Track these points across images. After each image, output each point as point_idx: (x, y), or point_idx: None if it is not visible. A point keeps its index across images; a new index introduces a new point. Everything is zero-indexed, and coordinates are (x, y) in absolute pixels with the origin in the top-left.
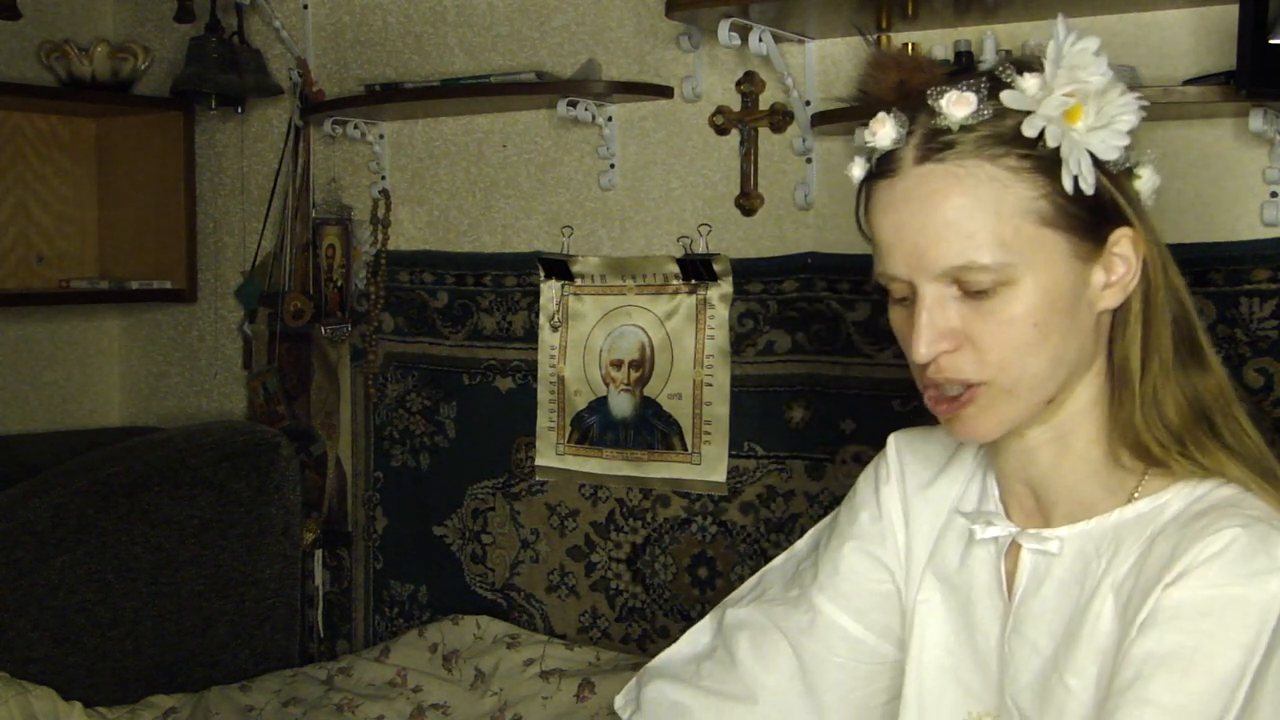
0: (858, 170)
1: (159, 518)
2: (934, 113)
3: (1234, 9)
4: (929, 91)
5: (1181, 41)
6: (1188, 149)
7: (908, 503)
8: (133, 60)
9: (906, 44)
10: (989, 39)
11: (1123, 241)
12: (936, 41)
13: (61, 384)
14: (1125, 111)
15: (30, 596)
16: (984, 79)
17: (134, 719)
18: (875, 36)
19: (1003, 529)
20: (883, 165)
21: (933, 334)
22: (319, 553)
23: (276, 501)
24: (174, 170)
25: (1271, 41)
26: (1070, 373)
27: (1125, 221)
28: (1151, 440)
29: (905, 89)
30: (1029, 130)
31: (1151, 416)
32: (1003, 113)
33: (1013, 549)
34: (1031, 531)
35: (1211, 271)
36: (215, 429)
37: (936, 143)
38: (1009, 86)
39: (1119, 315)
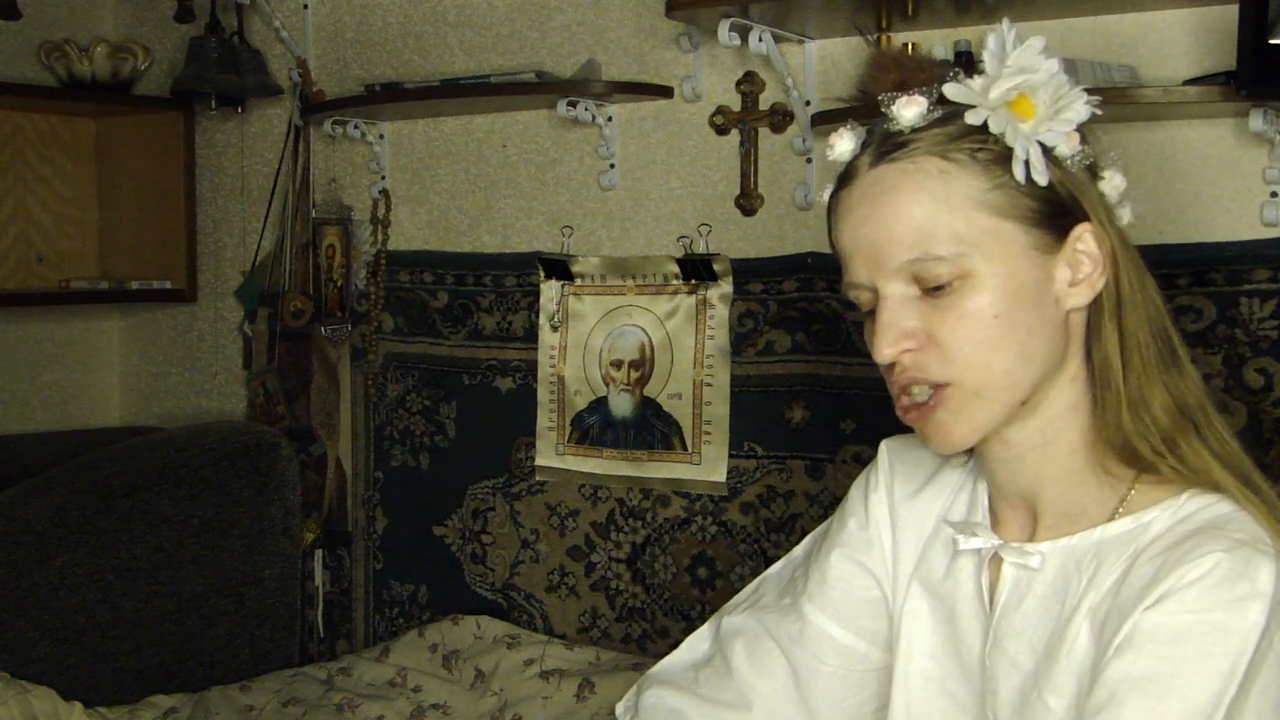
0: (828, 194)
1: (159, 518)
2: (887, 118)
3: (1234, 9)
4: (881, 98)
5: (1181, 41)
6: (1188, 149)
7: (895, 510)
8: (133, 60)
9: (906, 44)
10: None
11: (1085, 237)
12: (936, 41)
13: (61, 384)
14: (1075, 102)
15: (30, 596)
16: (934, 85)
17: (134, 719)
18: (875, 36)
19: (985, 541)
20: (843, 176)
21: (894, 333)
22: (319, 553)
23: (276, 501)
24: (174, 170)
25: (1271, 41)
26: (1041, 372)
27: (1086, 217)
28: (1142, 443)
29: (905, 89)
30: (973, 119)
31: (1141, 417)
32: (955, 113)
33: (995, 561)
34: (1014, 545)
35: (1211, 271)
36: (215, 429)
37: (889, 144)
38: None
39: (1093, 315)
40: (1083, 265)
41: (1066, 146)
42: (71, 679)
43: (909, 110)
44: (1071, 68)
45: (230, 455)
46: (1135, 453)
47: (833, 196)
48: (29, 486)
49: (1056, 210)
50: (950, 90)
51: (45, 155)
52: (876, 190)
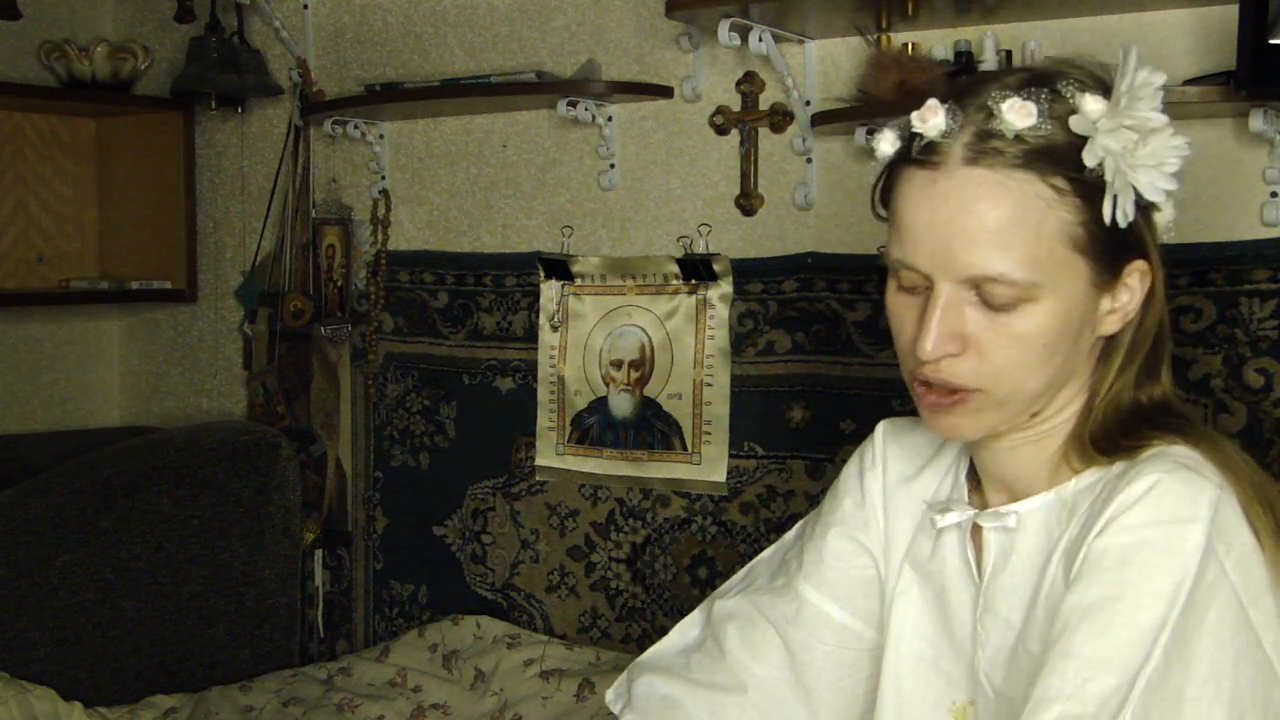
0: (887, 146)
1: (159, 518)
2: (989, 114)
3: (1234, 9)
4: (993, 94)
5: (1181, 41)
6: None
7: (888, 492)
8: (133, 60)
9: (906, 44)
10: (989, 39)
11: (1135, 273)
12: (936, 41)
13: (61, 384)
14: (1175, 155)
15: (30, 596)
16: (1044, 91)
17: (134, 719)
18: (875, 36)
19: (960, 514)
20: (925, 154)
21: (942, 333)
22: (319, 553)
23: (276, 501)
24: (174, 170)
25: (1271, 41)
26: (1059, 390)
27: (1143, 254)
28: (1089, 442)
29: (905, 89)
30: (1090, 160)
31: (1096, 425)
32: (1056, 129)
33: (977, 531)
34: (989, 511)
35: (1211, 271)
36: (215, 429)
37: (988, 146)
38: (1066, 100)
39: (1108, 339)
40: (1122, 296)
41: (1157, 194)
42: (71, 679)
43: (1020, 119)
44: None
45: (230, 455)
46: (1086, 452)
47: (903, 165)
48: (29, 486)
49: (1123, 248)
50: (1077, 124)
51: (45, 155)
52: (968, 192)
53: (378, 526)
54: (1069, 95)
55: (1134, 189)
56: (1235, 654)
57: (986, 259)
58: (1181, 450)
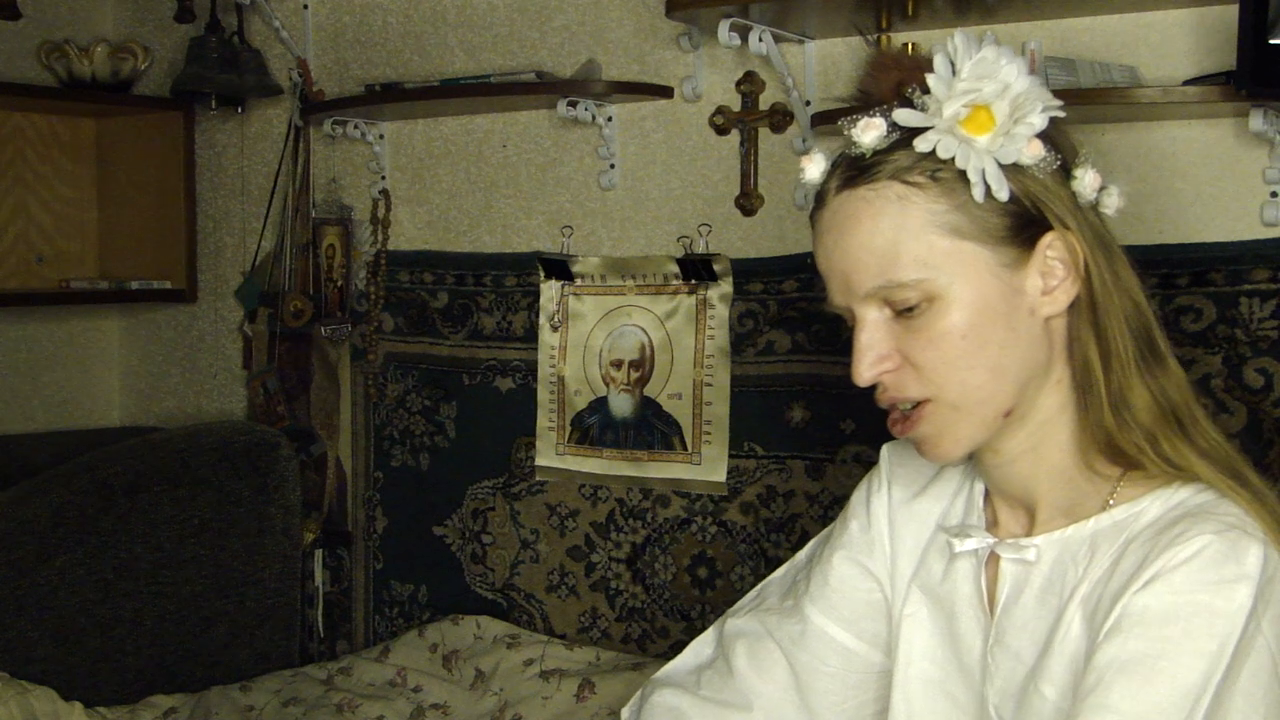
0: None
1: (159, 518)
2: (850, 142)
3: (1234, 9)
4: (841, 122)
5: (1181, 41)
6: (1188, 149)
7: (894, 514)
8: (133, 60)
9: (906, 44)
10: (989, 39)
11: (1056, 245)
12: (936, 41)
13: (61, 384)
14: (1031, 113)
15: (30, 596)
16: (896, 102)
17: (134, 719)
18: (875, 36)
19: (980, 541)
20: (817, 197)
21: (872, 356)
22: (319, 553)
23: (276, 501)
24: (174, 170)
25: (1271, 41)
26: (1021, 384)
27: (1052, 225)
28: (1125, 441)
29: (905, 89)
30: (922, 146)
31: (1123, 416)
32: (915, 133)
33: (993, 560)
34: (1009, 542)
35: (1211, 271)
36: (215, 429)
37: (853, 169)
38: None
39: (1072, 319)
40: (1055, 272)
41: (1027, 157)
42: (71, 679)
43: (868, 135)
44: (1071, 67)
45: (230, 455)
46: (1120, 451)
47: (811, 216)
48: (29, 486)
49: (1022, 222)
50: (901, 116)
51: (45, 155)
52: (841, 218)
53: (378, 526)
54: (914, 98)
55: (994, 160)
56: (1265, 712)
57: (871, 271)
58: (1228, 508)
